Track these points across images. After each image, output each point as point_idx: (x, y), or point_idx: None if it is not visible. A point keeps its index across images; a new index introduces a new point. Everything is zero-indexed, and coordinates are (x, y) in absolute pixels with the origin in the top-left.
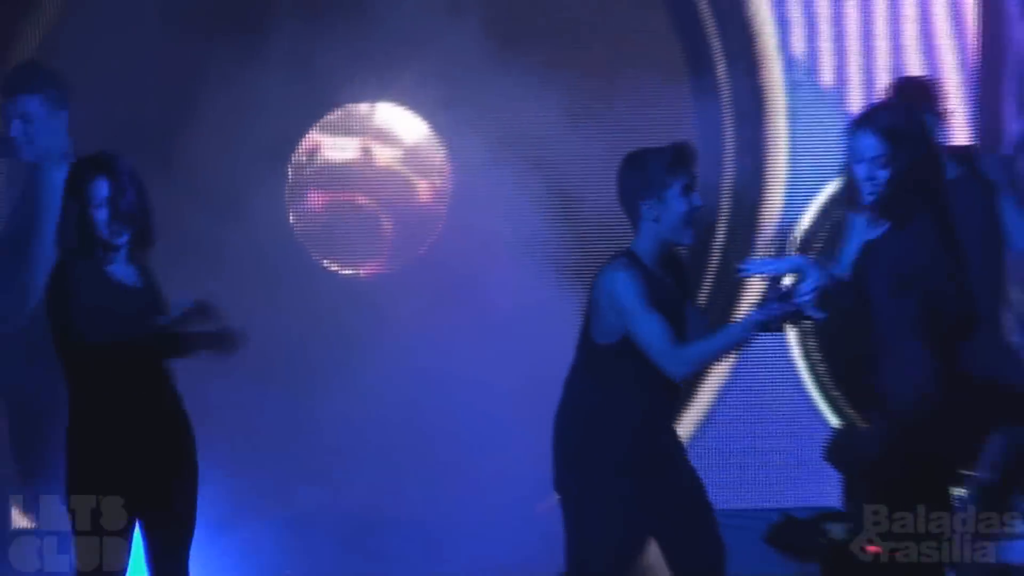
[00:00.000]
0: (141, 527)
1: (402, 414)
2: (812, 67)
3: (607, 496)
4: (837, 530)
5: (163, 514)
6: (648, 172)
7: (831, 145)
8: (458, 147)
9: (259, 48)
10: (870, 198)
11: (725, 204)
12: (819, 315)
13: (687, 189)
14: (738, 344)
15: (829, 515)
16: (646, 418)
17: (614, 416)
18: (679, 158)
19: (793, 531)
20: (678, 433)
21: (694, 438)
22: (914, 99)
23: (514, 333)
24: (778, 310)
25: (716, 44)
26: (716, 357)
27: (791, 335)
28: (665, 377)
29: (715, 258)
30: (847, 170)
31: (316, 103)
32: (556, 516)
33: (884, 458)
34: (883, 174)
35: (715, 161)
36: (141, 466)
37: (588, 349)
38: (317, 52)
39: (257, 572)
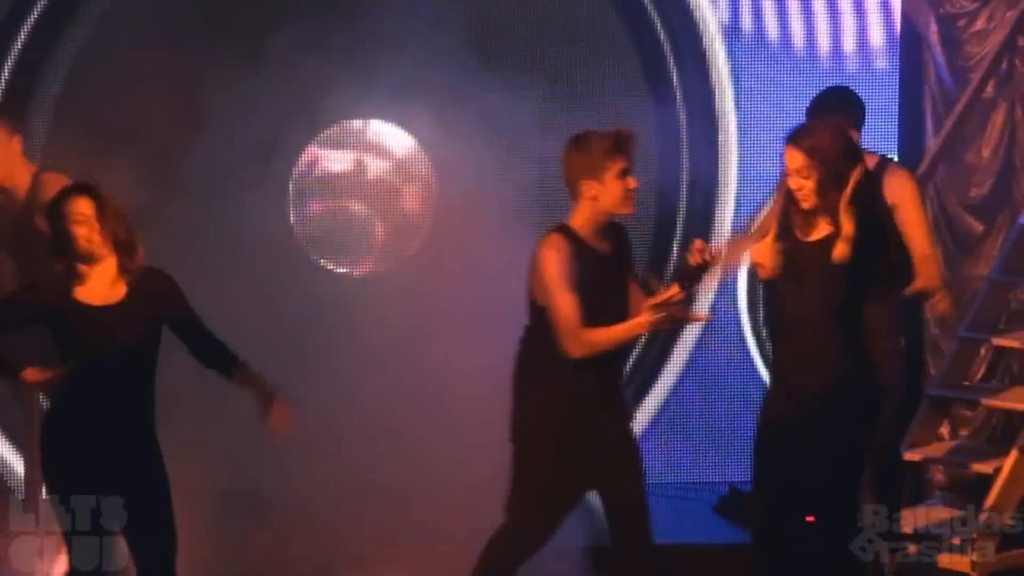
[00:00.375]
0: (125, 536)
1: (390, 402)
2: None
3: (537, 450)
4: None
5: (140, 524)
6: (590, 154)
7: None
8: (441, 158)
9: (261, 67)
10: (804, 204)
11: (683, 200)
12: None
13: (624, 172)
14: (634, 337)
15: None
16: (575, 376)
17: (546, 372)
18: (618, 143)
19: (739, 502)
20: (622, 397)
21: (655, 418)
22: (839, 112)
23: (498, 327)
24: (671, 311)
25: (671, 53)
26: (612, 345)
27: (746, 324)
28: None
29: (674, 254)
30: (783, 179)
31: (313, 120)
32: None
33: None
34: (808, 184)
35: (673, 160)
36: (108, 477)
37: (530, 306)
38: (314, 73)
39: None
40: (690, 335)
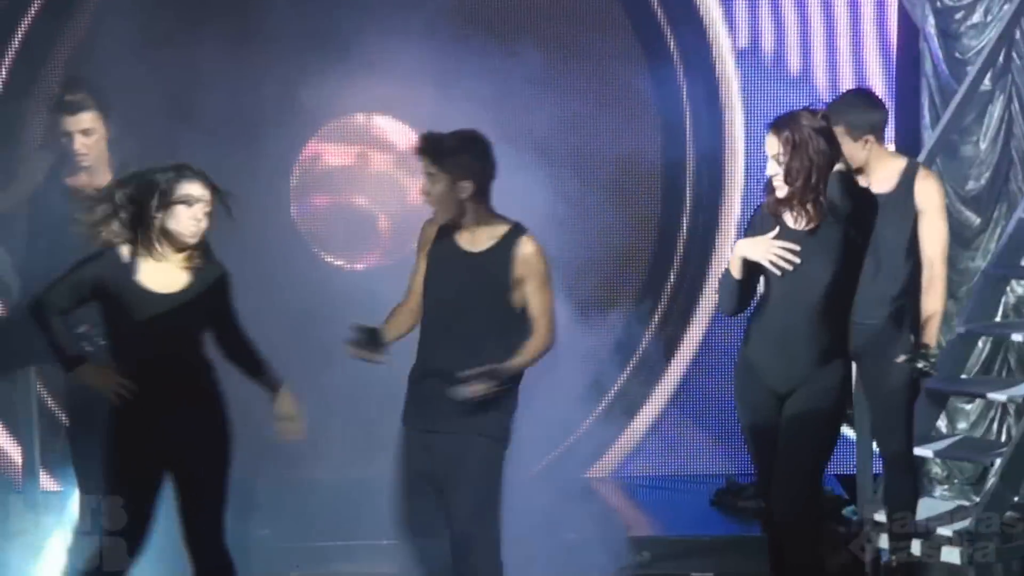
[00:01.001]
0: (175, 490)
1: (393, 395)
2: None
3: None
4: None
5: (194, 479)
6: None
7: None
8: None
9: (260, 60)
10: (782, 191)
11: (690, 181)
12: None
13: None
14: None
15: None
16: (416, 369)
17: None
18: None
19: (737, 495)
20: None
21: (662, 410)
22: (856, 113)
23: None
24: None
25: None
26: None
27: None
28: (423, 341)
29: (684, 234)
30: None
31: (315, 114)
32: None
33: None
34: (781, 171)
35: (679, 141)
36: (174, 429)
37: (505, 304)
38: (314, 66)
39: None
40: (696, 330)
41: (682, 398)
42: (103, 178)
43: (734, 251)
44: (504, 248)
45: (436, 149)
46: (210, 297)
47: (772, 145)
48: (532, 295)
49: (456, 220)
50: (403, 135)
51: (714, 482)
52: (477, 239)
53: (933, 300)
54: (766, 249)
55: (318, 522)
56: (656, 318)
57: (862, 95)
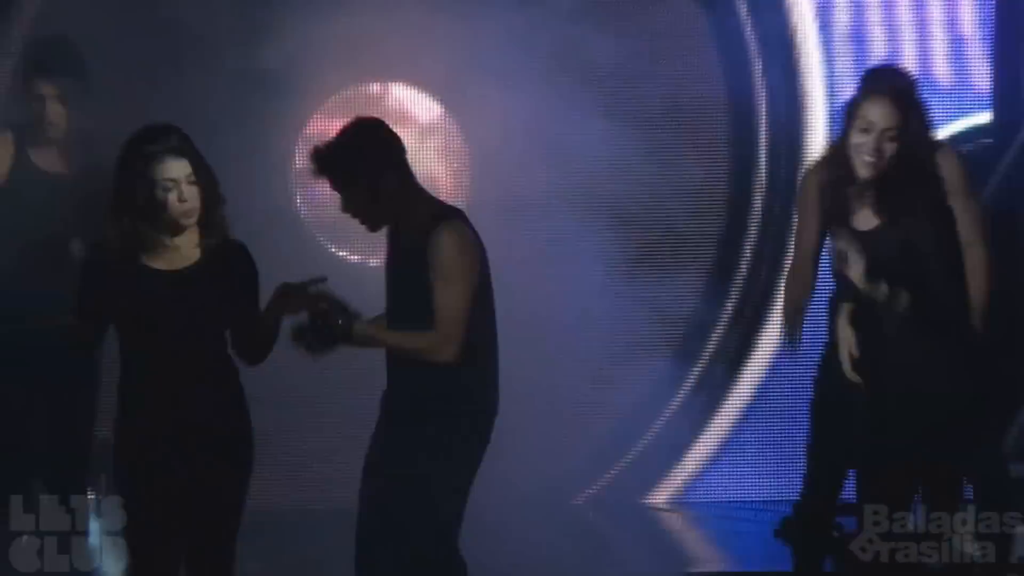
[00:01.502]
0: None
1: None
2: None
3: None
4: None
5: (210, 507)
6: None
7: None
8: (474, 127)
9: (265, 24)
10: (867, 172)
11: (764, 139)
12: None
13: None
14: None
15: (843, 508)
16: None
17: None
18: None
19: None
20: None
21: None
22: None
23: (537, 316)
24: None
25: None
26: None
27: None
28: None
29: (757, 198)
30: (842, 141)
31: (319, 84)
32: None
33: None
34: (890, 148)
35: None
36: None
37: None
38: (322, 31)
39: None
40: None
41: (752, 414)
42: (66, 154)
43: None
44: (423, 241)
45: (328, 166)
46: (225, 275)
47: (887, 115)
48: (434, 289)
49: (394, 220)
50: (426, 107)
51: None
52: (409, 233)
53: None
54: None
55: None
56: (723, 324)
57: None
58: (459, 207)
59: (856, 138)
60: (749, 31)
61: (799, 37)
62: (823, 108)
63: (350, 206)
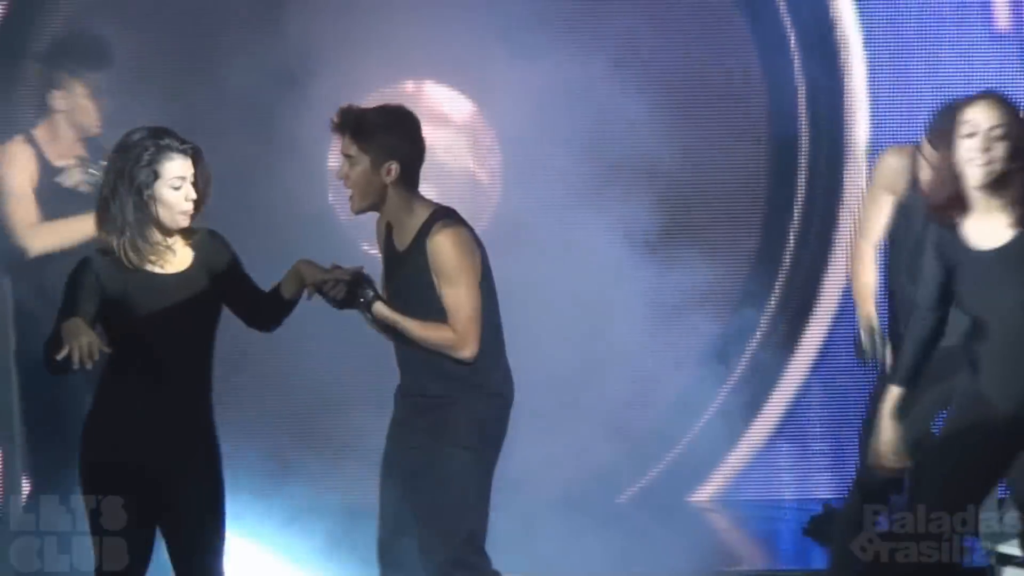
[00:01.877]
0: (162, 532)
1: None
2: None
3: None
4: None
5: (182, 519)
6: None
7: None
8: (509, 128)
9: (300, 28)
10: (982, 178)
11: (804, 135)
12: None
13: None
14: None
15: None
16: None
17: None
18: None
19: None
20: None
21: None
22: None
23: (575, 316)
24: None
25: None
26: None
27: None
28: None
29: (801, 187)
30: (947, 160)
31: (354, 84)
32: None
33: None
34: (1000, 147)
35: (789, 90)
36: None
37: None
38: (356, 30)
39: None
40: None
41: (795, 412)
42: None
43: None
44: (420, 242)
45: (357, 126)
46: (214, 270)
47: (989, 115)
48: (443, 291)
49: (378, 208)
50: (459, 106)
51: (809, 508)
52: (404, 234)
53: None
54: None
55: None
56: (767, 319)
57: None
58: (462, 208)
59: (964, 146)
60: (784, 11)
61: (839, 22)
62: (864, 91)
63: (348, 171)
